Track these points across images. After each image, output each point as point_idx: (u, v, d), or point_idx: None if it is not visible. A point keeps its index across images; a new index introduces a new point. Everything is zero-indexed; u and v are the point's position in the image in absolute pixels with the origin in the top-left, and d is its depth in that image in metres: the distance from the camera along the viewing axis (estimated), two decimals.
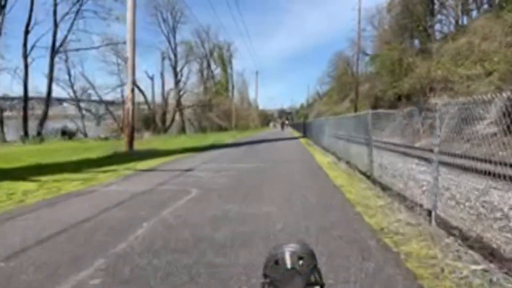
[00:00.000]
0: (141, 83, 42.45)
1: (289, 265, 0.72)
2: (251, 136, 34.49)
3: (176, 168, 10.34)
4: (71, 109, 45.33)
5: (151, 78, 46.64)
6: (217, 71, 72.77)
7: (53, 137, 31.10)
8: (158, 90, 49.11)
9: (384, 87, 38.45)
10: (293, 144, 22.17)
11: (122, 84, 43.66)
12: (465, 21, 34.47)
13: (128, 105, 15.32)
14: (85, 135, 37.31)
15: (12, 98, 34.91)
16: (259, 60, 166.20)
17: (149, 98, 47.40)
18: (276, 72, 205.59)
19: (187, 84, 52.08)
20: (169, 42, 51.30)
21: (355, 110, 51.05)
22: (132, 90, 15.49)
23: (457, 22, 37.63)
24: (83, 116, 38.60)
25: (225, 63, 74.45)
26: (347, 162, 10.68)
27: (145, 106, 46.19)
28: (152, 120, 45.50)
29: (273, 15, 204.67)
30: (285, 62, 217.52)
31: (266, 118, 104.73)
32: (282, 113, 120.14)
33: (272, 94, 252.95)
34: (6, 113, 33.64)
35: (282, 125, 77.18)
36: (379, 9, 56.43)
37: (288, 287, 0.71)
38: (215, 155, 14.14)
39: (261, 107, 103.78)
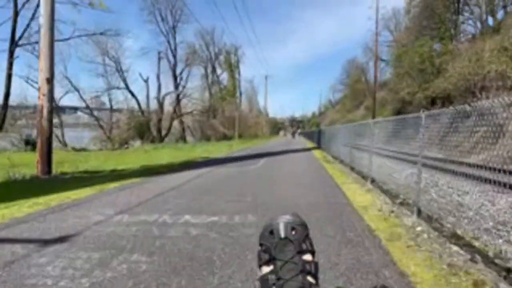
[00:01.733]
0: (135, 87, 37.22)
1: (282, 235, 0.76)
2: (254, 147, 28.67)
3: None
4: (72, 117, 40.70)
5: (146, 81, 41.43)
6: (224, 76, 67.60)
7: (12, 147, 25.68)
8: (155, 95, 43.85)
9: (410, 89, 32.35)
10: (306, 161, 16.11)
11: (109, 88, 38.57)
12: (490, 21, 30.72)
13: (42, 102, 9.38)
14: (65, 144, 32.01)
15: None
16: (270, 68, 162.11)
17: (150, 104, 42.33)
18: (287, 80, 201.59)
19: (189, 88, 46.60)
20: (169, 42, 46.13)
21: (373, 117, 45.06)
22: (49, 81, 9.48)
23: (482, 22, 32.77)
24: (61, 124, 33.23)
25: (232, 68, 69.12)
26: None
27: (145, 113, 41.00)
28: (147, 128, 40.08)
29: (284, 24, 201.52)
30: (297, 71, 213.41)
31: (276, 127, 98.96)
32: (293, 122, 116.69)
33: (283, 103, 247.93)
34: None
35: (293, 133, 78.70)
36: (395, 13, 52.05)
37: (282, 254, 0.74)
38: (168, 186, 8.18)
39: (271, 115, 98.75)
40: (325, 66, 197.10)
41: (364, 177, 9.25)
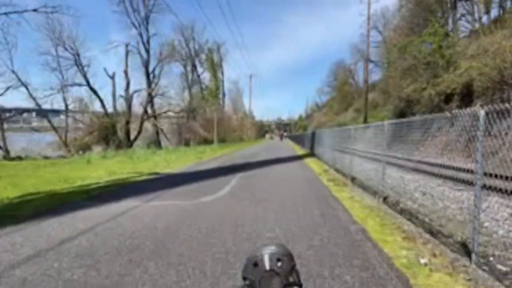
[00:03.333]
0: (108, 88, 31.75)
1: (267, 267, 0.71)
2: (233, 153, 23.29)
3: None
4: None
5: (111, 77, 35.58)
6: (205, 75, 62.05)
7: None
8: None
9: (417, 85, 27.52)
10: (301, 179, 10.47)
11: (66, 85, 32.67)
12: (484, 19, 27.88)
13: None
14: (7, 151, 26.03)
15: None
16: (257, 72, 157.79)
17: (118, 104, 36.53)
18: (273, 84, 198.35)
19: (164, 87, 40.79)
20: (141, 35, 40.34)
21: (365, 120, 39.74)
22: None
23: (480, 18, 29.49)
24: (1, 129, 27.06)
25: (214, 67, 63.73)
26: None
27: (112, 114, 35.20)
28: (112, 131, 34.26)
29: (271, 28, 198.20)
30: (283, 74, 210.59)
31: (262, 129, 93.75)
32: (280, 124, 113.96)
33: (269, 106, 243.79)
34: None
35: (281, 136, 79.44)
36: (384, 12, 48.44)
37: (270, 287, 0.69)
38: None
39: (258, 118, 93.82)
40: (311, 70, 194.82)
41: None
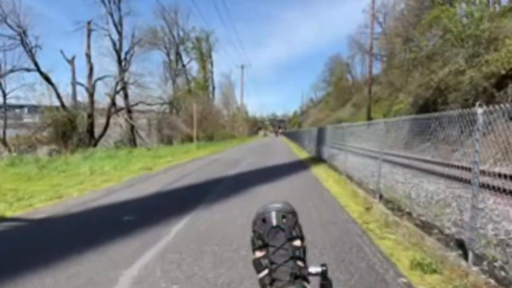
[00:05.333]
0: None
1: (274, 223, 0.78)
2: (210, 157, 16.83)
3: None
4: None
5: (70, 62, 28.76)
6: (191, 65, 55.29)
7: None
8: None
9: (449, 69, 21.23)
10: (327, 243, 4.29)
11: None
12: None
13: None
14: None
15: None
16: (251, 67, 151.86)
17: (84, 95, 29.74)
18: (268, 81, 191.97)
19: (139, 74, 33.94)
20: (111, 14, 33.56)
21: (369, 115, 34.15)
22: None
23: None
24: None
25: (203, 57, 57.05)
26: None
27: (72, 107, 28.53)
28: (71, 127, 27.55)
29: (265, 25, 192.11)
30: (277, 71, 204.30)
31: (255, 126, 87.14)
32: (274, 121, 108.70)
33: (263, 102, 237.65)
34: None
35: (276, 132, 79.39)
36: (384, 3, 43.76)
37: (274, 240, 0.77)
38: None
39: (251, 113, 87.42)
40: (306, 66, 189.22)
41: None
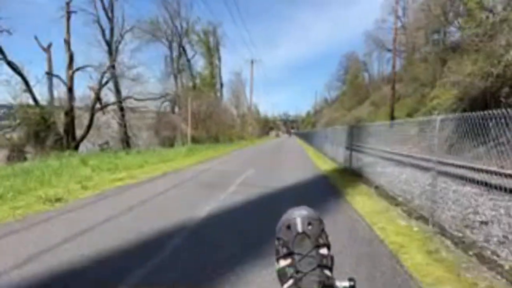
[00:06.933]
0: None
1: (300, 230, 0.74)
2: (185, 173, 11.65)
3: None
4: None
5: (46, 49, 24.03)
6: (196, 59, 50.28)
7: None
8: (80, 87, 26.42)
9: None
10: None
11: None
12: None
13: None
14: None
15: None
16: (264, 68, 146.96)
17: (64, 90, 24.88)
18: (280, 81, 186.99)
19: (131, 67, 28.97)
20: None
21: (392, 114, 30.29)
22: None
23: None
24: None
25: (211, 52, 52.06)
26: None
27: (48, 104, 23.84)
28: (45, 127, 22.80)
29: (277, 24, 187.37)
30: (290, 71, 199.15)
31: (267, 126, 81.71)
32: (287, 121, 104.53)
33: (276, 102, 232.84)
34: None
35: (289, 132, 78.14)
36: None
37: (299, 248, 0.73)
38: None
39: (262, 113, 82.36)
40: (319, 65, 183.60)
41: None
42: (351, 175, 9.74)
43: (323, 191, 7.70)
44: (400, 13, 43.79)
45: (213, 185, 8.10)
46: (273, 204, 6.13)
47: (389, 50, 58.94)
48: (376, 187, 7.63)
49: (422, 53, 33.15)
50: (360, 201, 6.46)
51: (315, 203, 5.99)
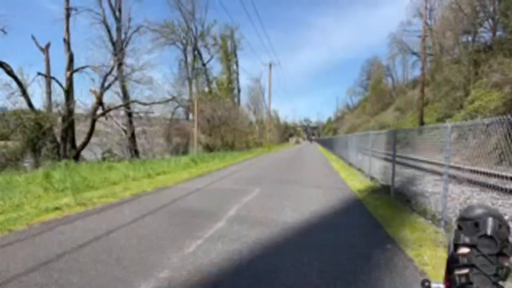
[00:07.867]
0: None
1: (489, 232, 0.67)
2: (170, 189, 8.95)
3: None
4: None
5: (44, 49, 22.10)
6: (212, 64, 48.08)
7: None
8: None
9: None
10: None
11: None
12: None
13: None
14: None
15: None
16: (284, 75, 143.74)
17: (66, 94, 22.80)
18: (302, 87, 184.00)
19: (138, 68, 26.79)
20: None
21: (421, 119, 28.25)
22: None
23: None
24: None
25: (228, 57, 49.77)
26: None
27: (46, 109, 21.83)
28: (41, 133, 20.74)
29: (298, 29, 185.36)
30: (311, 77, 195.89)
31: (286, 132, 78.58)
32: (308, 127, 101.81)
33: (296, 109, 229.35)
34: None
35: (310, 139, 78.14)
36: None
37: (483, 247, 0.66)
38: None
39: (282, 119, 79.43)
40: (341, 71, 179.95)
41: None
42: (396, 199, 6.77)
43: (362, 233, 4.75)
44: (427, 15, 40.63)
45: (191, 218, 5.32)
46: (279, 268, 3.28)
47: (414, 53, 55.43)
48: (446, 224, 4.67)
49: (451, 55, 29.96)
50: (433, 256, 3.52)
51: (350, 267, 3.09)
